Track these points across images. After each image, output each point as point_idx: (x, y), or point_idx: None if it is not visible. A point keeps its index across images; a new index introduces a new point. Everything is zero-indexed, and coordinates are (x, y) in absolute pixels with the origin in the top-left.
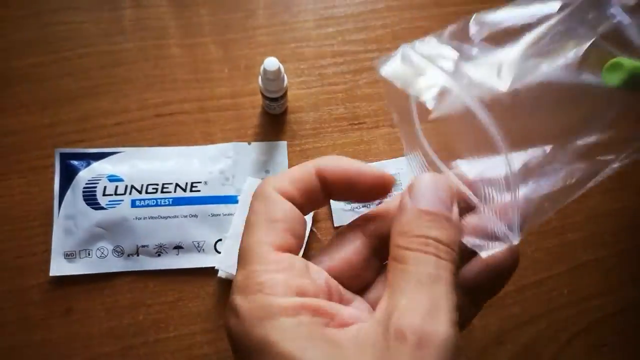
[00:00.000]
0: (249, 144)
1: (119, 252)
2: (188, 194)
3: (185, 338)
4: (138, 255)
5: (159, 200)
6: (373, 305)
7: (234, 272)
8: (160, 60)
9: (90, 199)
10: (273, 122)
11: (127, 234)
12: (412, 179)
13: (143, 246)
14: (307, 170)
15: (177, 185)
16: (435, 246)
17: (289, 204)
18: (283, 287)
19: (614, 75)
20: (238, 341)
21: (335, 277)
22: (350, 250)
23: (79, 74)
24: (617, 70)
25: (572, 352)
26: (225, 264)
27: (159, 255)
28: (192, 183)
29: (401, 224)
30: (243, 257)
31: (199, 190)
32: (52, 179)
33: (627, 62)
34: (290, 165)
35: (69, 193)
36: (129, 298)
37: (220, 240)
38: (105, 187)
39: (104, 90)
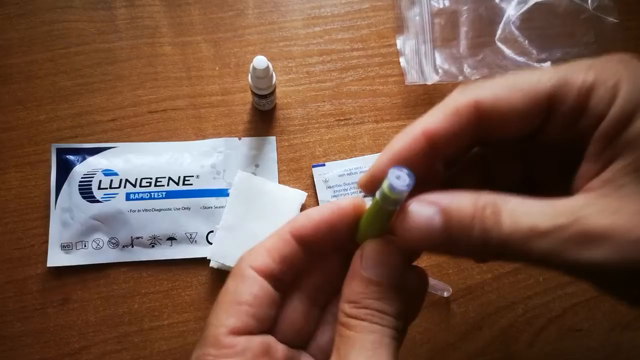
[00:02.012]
0: (240, 139)
1: (114, 243)
2: (181, 187)
3: (178, 325)
4: (133, 247)
5: (152, 194)
6: (316, 357)
7: (225, 262)
8: (153, 58)
9: (86, 192)
10: (262, 118)
11: (122, 226)
12: (365, 243)
13: (137, 238)
14: (282, 236)
15: (170, 179)
16: (379, 317)
17: (260, 284)
18: None
19: None
20: None
21: (282, 339)
22: (292, 310)
23: (73, 71)
24: None
25: (547, 337)
26: (217, 254)
27: (153, 246)
28: (184, 177)
29: (350, 291)
30: (203, 337)
31: (191, 184)
32: (49, 173)
33: None
34: (279, 160)
35: (65, 187)
36: (124, 287)
37: (212, 231)
38: (100, 181)
39: (98, 87)
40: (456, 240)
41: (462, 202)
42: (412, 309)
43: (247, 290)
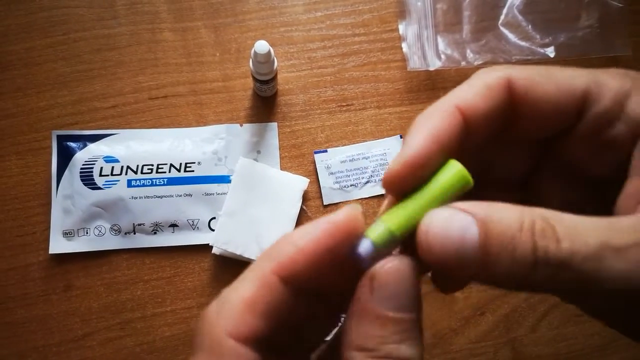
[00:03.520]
0: (241, 125)
1: (116, 230)
2: (182, 174)
3: (181, 312)
4: (135, 233)
5: (154, 180)
6: None
7: (228, 248)
8: (153, 44)
9: (87, 179)
10: (264, 105)
11: (124, 213)
12: (376, 266)
13: (139, 224)
14: (264, 279)
15: (171, 165)
16: None
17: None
18: None
19: None
20: None
21: None
22: None
23: (73, 57)
24: None
25: (550, 322)
26: (219, 241)
27: (155, 233)
28: (186, 163)
29: (361, 335)
30: None
31: (192, 171)
32: (50, 160)
33: None
34: (281, 146)
35: (66, 173)
36: (126, 274)
37: (214, 218)
38: (101, 168)
39: (98, 73)
40: (496, 259)
41: (505, 213)
42: None
43: None
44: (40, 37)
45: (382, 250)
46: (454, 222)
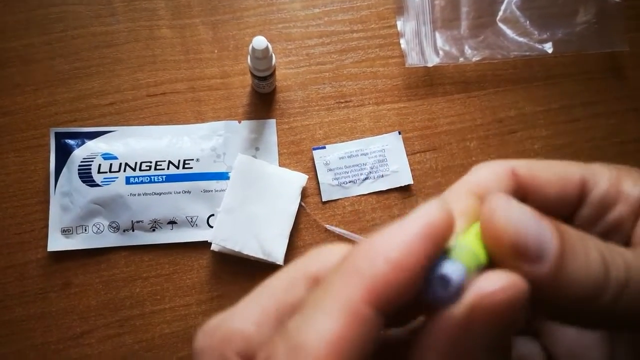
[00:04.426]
0: (239, 122)
1: (115, 227)
2: (181, 171)
3: (180, 309)
4: (133, 231)
5: (152, 177)
6: None
7: (226, 245)
8: (151, 41)
9: (85, 176)
10: (262, 101)
11: (122, 210)
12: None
13: (138, 222)
14: (354, 314)
15: (170, 162)
16: None
17: None
18: None
19: None
20: None
21: None
22: None
23: (71, 55)
24: None
25: None
26: (217, 237)
27: (154, 230)
28: (184, 160)
29: None
30: None
31: (191, 168)
32: (48, 158)
33: None
34: (279, 143)
35: (64, 171)
36: (125, 272)
37: (212, 215)
38: (100, 165)
39: (96, 71)
40: (572, 276)
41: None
42: None
43: None
44: (38, 34)
45: (470, 279)
46: (530, 229)
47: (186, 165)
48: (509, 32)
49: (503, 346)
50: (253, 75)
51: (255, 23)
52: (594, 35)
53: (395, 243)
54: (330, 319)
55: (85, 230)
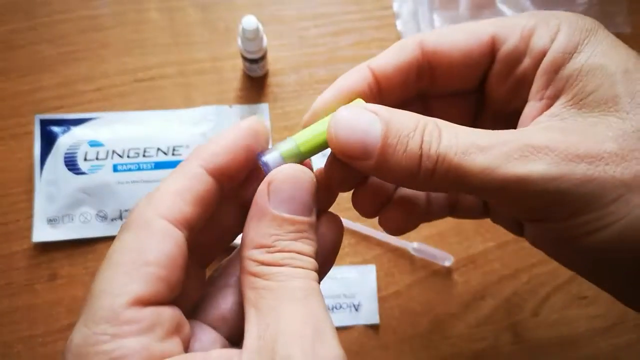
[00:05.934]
0: (231, 107)
1: (102, 216)
2: (170, 157)
3: None
4: (121, 220)
5: (141, 165)
6: (214, 324)
7: None
8: (139, 25)
9: (71, 164)
10: (254, 85)
11: (110, 199)
12: (271, 172)
13: (126, 210)
14: (191, 173)
15: (158, 149)
16: (301, 259)
17: (174, 239)
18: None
19: None
20: None
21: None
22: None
23: (57, 40)
24: None
25: (552, 305)
26: None
27: None
28: (174, 147)
29: (259, 234)
30: (90, 310)
31: (180, 154)
32: (33, 146)
33: None
34: (272, 128)
35: (50, 159)
36: None
37: None
38: (86, 153)
39: (83, 55)
40: (393, 152)
41: (404, 115)
42: (326, 262)
43: (157, 247)
44: (23, 19)
45: (287, 161)
46: (361, 117)
47: (175, 152)
48: (509, 12)
49: (296, 207)
50: (244, 58)
51: (246, 4)
52: (595, 16)
53: (222, 136)
54: (177, 177)
55: (72, 219)
